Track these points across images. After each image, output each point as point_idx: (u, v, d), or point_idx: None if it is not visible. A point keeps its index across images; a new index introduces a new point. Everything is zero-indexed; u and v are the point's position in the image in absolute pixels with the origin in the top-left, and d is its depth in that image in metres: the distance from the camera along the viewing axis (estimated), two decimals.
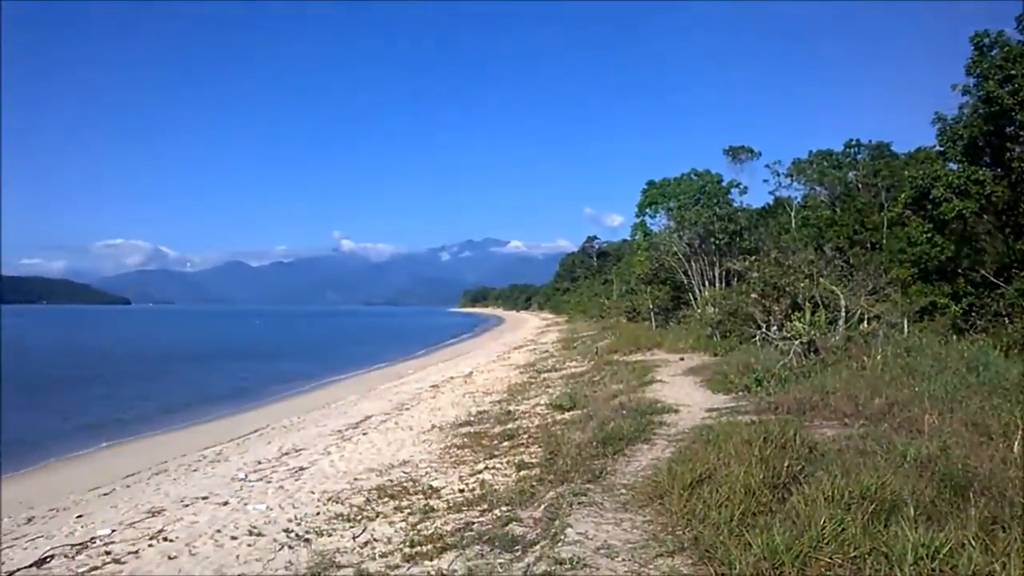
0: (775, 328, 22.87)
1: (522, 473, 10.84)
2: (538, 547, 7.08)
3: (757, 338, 23.32)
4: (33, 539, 10.93)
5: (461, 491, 10.48)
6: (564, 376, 25.39)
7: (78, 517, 12.26)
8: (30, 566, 9.08)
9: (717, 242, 40.82)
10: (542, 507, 8.56)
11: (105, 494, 14.64)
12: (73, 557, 9.29)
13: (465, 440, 14.94)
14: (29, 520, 12.91)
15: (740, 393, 16.05)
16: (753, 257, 31.41)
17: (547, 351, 40.79)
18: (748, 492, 7.07)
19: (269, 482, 12.96)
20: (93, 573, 8.50)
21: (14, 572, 8.92)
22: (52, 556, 9.42)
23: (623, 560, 6.29)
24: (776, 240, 37.58)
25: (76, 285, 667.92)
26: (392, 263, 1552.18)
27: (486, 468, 11.91)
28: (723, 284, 39.95)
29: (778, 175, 45.63)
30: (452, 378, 30.09)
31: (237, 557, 8.49)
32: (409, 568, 7.37)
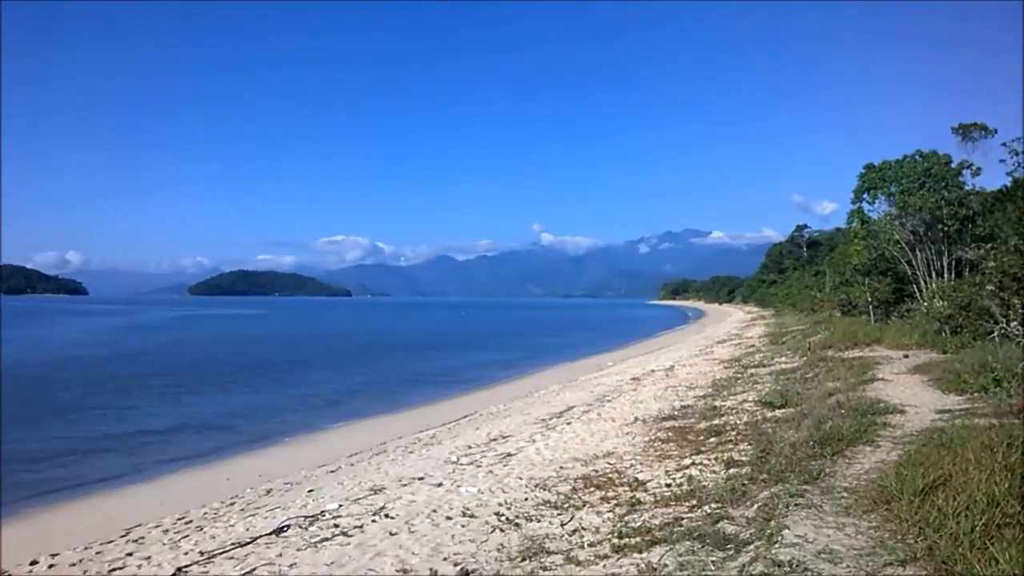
0: (1015, 323, 20.61)
1: (731, 471, 10.47)
2: (752, 547, 6.80)
3: (995, 334, 21.15)
4: (272, 509, 12.04)
5: (668, 486, 10.30)
6: (773, 372, 24.28)
7: (309, 491, 13.37)
8: (270, 533, 9.99)
9: (946, 229, 37.20)
10: (755, 506, 8.22)
11: (332, 471, 15.87)
12: (306, 528, 10.11)
13: (669, 434, 14.68)
14: (268, 492, 14.26)
15: (975, 394, 14.55)
16: (989, 245, 28.41)
17: (753, 346, 39.23)
18: (991, 502, 6.37)
19: (479, 466, 13.44)
20: (324, 544, 9.20)
21: (257, 538, 9.85)
22: (288, 526, 10.31)
23: (847, 567, 5.88)
24: (1016, 226, 33.71)
25: (304, 278, 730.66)
26: (590, 256, 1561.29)
27: (692, 463, 11.63)
28: (952, 275, 36.42)
29: (1017, 154, 40.82)
30: (653, 371, 29.73)
31: (452, 537, 8.86)
32: (618, 559, 7.34)
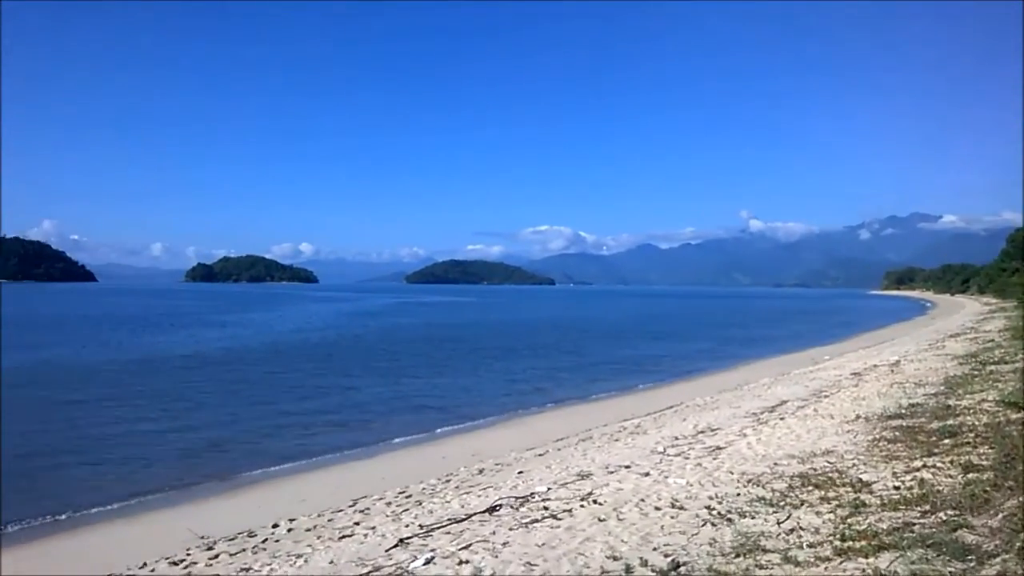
0: None
1: (970, 475, 9.51)
2: (999, 560, 6.14)
3: None
4: (484, 488, 12.50)
5: (896, 488, 9.53)
6: (1017, 369, 21.84)
7: (519, 473, 13.75)
8: (484, 511, 10.36)
9: None
10: (1000, 516, 7.40)
11: (540, 454, 16.22)
12: (517, 508, 10.39)
13: (896, 434, 13.59)
14: (480, 471, 14.84)
15: None
16: None
17: (992, 340, 35.44)
18: None
19: (687, 458, 13.17)
20: (535, 525, 9.41)
21: (472, 515, 10.26)
22: (501, 505, 10.64)
23: None
24: None
25: (510, 267, 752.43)
26: (803, 243, 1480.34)
27: (924, 466, 10.68)
28: None
29: None
30: (875, 366, 27.68)
31: (661, 527, 8.74)
32: (841, 563, 6.89)
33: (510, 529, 9.29)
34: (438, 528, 9.82)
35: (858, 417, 15.96)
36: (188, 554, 10.48)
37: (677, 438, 15.51)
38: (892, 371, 25.26)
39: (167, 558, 10.38)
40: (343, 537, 10.21)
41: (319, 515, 12.03)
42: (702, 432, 16.07)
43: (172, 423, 22.98)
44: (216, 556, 10.03)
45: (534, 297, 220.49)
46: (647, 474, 11.94)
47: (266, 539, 10.79)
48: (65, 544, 12.74)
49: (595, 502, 10.28)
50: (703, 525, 8.68)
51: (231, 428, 22.46)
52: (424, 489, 13.33)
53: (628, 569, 7.37)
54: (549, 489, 11.42)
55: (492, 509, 10.48)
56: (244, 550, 10.22)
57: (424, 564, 8.17)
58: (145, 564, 10.18)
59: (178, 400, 26.87)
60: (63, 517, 14.30)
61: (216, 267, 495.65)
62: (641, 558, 7.68)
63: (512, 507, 10.51)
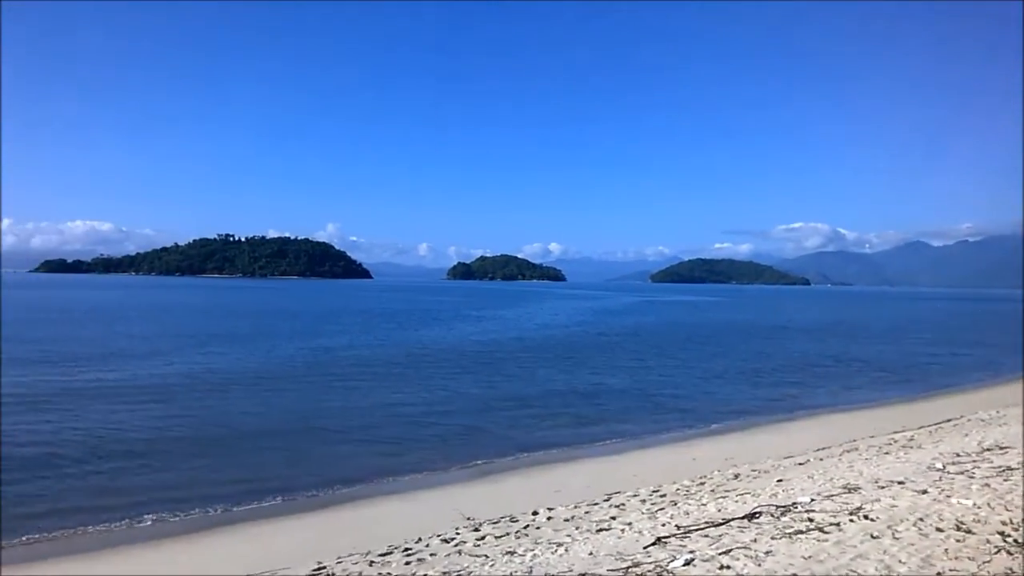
0: None
1: None
2: None
3: None
4: (741, 494, 12.18)
5: None
6: None
7: (778, 481, 13.22)
8: (742, 517, 10.11)
9: None
10: None
11: (800, 463, 15.48)
12: (778, 517, 10.01)
13: None
14: (736, 476, 14.46)
15: None
16: None
17: None
18: None
19: (971, 477, 11.93)
20: (799, 536, 9.03)
21: (730, 520, 10.05)
22: (760, 512, 10.32)
23: None
24: None
25: (760, 266, 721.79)
26: None
27: None
28: None
29: None
30: None
31: (945, 551, 8.02)
32: None
33: (772, 538, 9.00)
34: (695, 530, 9.73)
35: None
36: (457, 533, 11.25)
37: (959, 455, 14.10)
38: None
39: (439, 535, 11.21)
40: (600, 530, 10.43)
41: (575, 506, 12.39)
42: (988, 450, 14.49)
43: (430, 409, 24.84)
44: (483, 537, 10.68)
45: (786, 298, 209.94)
46: (924, 492, 10.99)
47: (527, 525, 11.31)
48: (344, 515, 14.22)
49: (866, 517, 9.66)
50: (996, 552, 7.87)
51: (483, 417, 23.85)
52: (678, 490, 13.26)
53: None
54: (813, 500, 10.89)
55: (751, 516, 10.20)
56: (508, 534, 10.79)
57: (684, 565, 8.14)
58: (420, 539, 11.07)
59: (436, 389, 28.97)
60: (343, 490, 16.02)
61: (474, 266, 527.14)
62: None
63: (773, 515, 10.16)
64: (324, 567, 9.78)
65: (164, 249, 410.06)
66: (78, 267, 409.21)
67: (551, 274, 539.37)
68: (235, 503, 15.05)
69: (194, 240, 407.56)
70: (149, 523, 13.92)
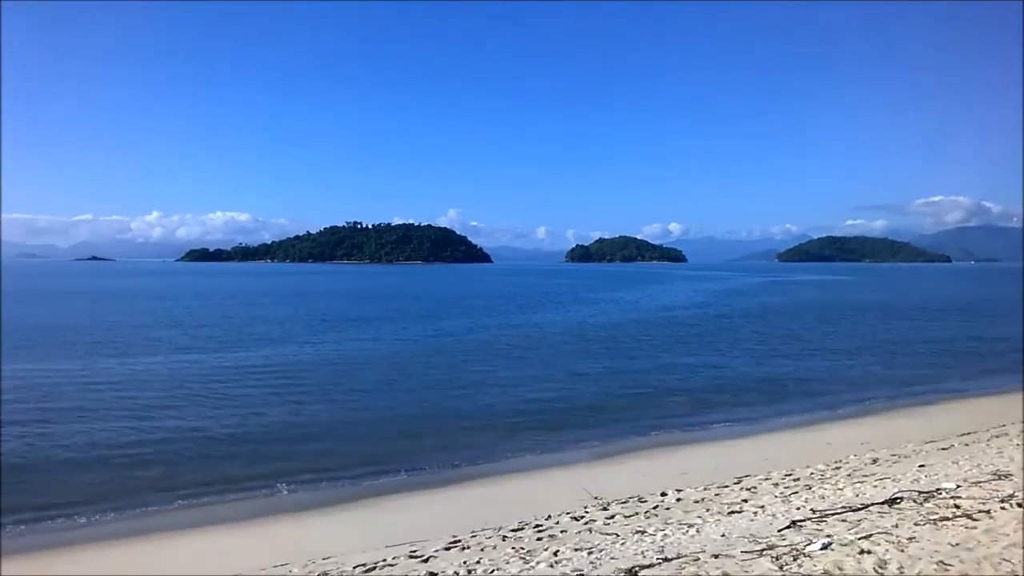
0: None
1: None
2: None
3: None
4: (880, 479, 11.77)
5: None
6: None
7: (920, 466, 12.68)
8: (882, 503, 9.78)
9: None
10: None
11: (943, 448, 14.78)
12: (921, 503, 9.62)
13: None
14: (874, 461, 13.97)
15: None
16: None
17: None
18: None
19: None
20: (944, 523, 8.66)
21: (869, 505, 9.74)
22: (901, 498, 9.94)
23: None
24: None
25: (896, 243, 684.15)
26: None
27: None
28: None
29: None
30: None
31: None
32: None
33: (915, 524, 8.67)
34: (832, 515, 9.49)
35: None
36: (586, 511, 11.41)
37: None
38: None
39: (568, 513, 11.40)
40: (732, 512, 10.34)
41: (705, 488, 12.31)
42: None
43: (550, 390, 25.21)
44: (612, 517, 10.79)
45: (925, 276, 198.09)
46: None
47: (656, 506, 11.33)
48: (472, 492, 14.66)
49: (1019, 505, 9.17)
50: None
51: (603, 398, 24.05)
52: (812, 474, 12.93)
53: None
54: (959, 486, 10.40)
55: (892, 501, 9.85)
56: (637, 513, 10.85)
57: (821, 549, 7.98)
58: (549, 516, 11.29)
59: (555, 371, 29.36)
60: (469, 467, 16.55)
61: (592, 248, 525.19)
62: None
63: (915, 501, 9.78)
64: (459, 540, 10.14)
65: (297, 237, 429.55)
66: (219, 255, 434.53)
67: (671, 255, 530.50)
68: (365, 479, 15.82)
69: (324, 228, 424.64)
70: (285, 494, 14.83)
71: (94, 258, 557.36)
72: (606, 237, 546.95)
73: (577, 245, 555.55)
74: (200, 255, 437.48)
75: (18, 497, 14.17)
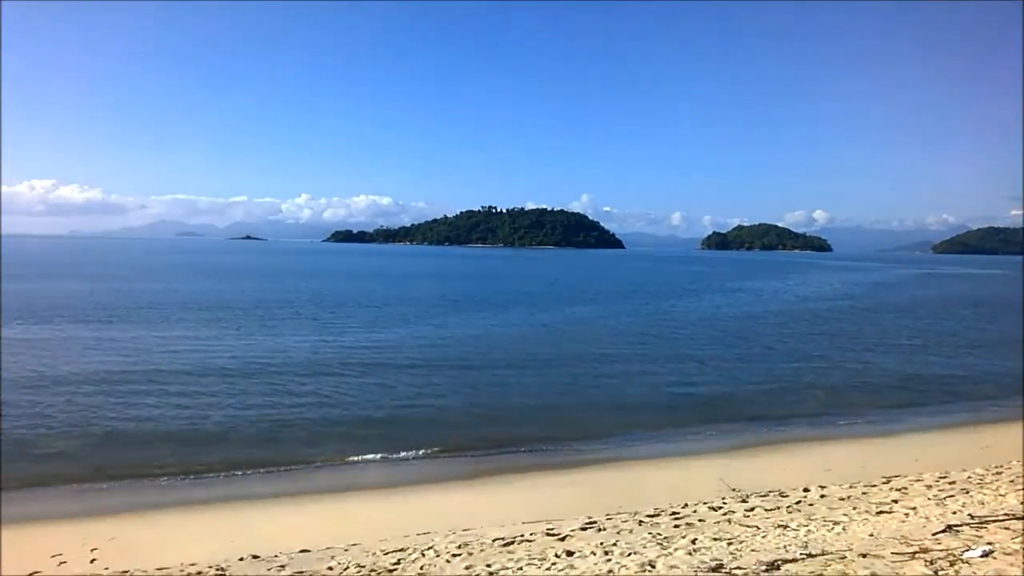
0: None
1: None
2: None
3: None
4: None
5: None
6: None
7: None
8: None
9: None
10: None
11: None
12: None
13: None
14: None
15: None
16: None
17: None
18: None
19: None
20: None
21: None
22: None
23: None
24: None
25: None
26: None
27: None
28: None
29: None
30: None
31: None
32: None
33: None
34: (993, 521, 8.95)
35: None
36: (724, 502, 11.24)
37: None
38: None
39: (705, 503, 11.28)
40: (880, 512, 9.92)
41: (851, 486, 11.86)
42: None
43: (680, 379, 24.98)
44: (752, 509, 10.57)
45: None
46: None
47: (799, 501, 11.02)
48: (606, 476, 14.76)
49: None
50: None
51: (736, 388, 23.67)
52: (969, 478, 12.20)
53: None
54: None
55: None
56: (778, 508, 10.58)
57: (981, 556, 7.56)
58: (686, 505, 11.20)
59: (685, 358, 29.08)
60: (601, 451, 16.68)
61: (730, 235, 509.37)
62: None
63: None
64: (595, 522, 10.23)
65: (435, 221, 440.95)
66: (361, 237, 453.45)
67: (815, 244, 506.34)
68: (498, 456, 16.35)
69: (461, 212, 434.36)
70: (423, 466, 15.57)
71: (248, 237, 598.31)
72: (745, 224, 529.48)
73: (714, 232, 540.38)
74: (344, 236, 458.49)
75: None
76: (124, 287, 59.23)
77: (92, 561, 10.38)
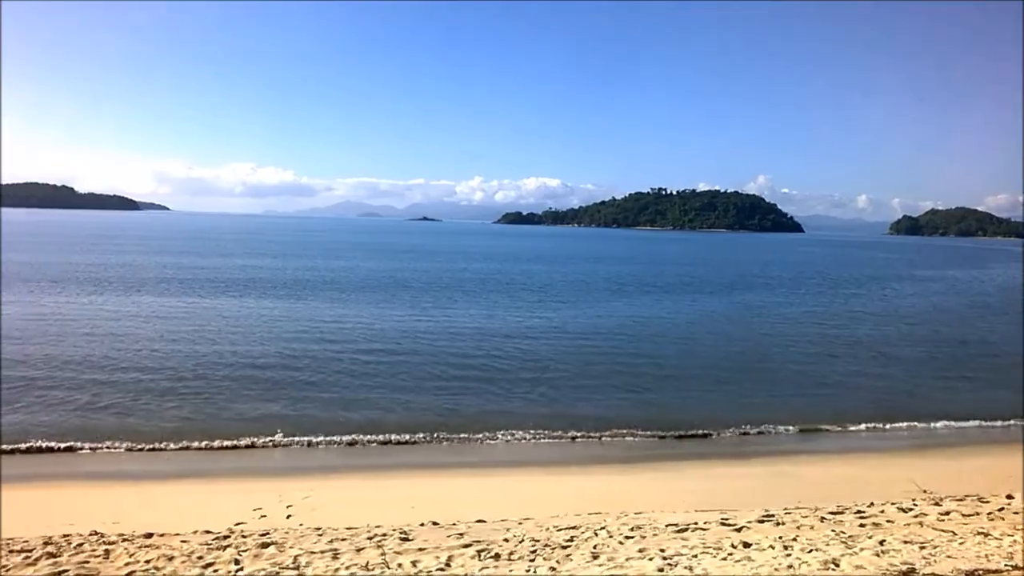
0: None
1: None
2: None
3: None
4: None
5: None
6: None
7: None
8: None
9: None
10: None
11: None
12: None
13: None
14: None
15: None
16: None
17: None
18: None
19: None
20: None
21: None
22: None
23: None
24: None
25: None
26: None
27: None
28: None
29: None
30: None
31: None
32: None
33: None
34: None
35: None
36: (915, 504, 10.56)
37: None
38: None
39: (893, 503, 10.64)
40: None
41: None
42: None
43: (860, 373, 23.85)
44: (947, 513, 9.80)
45: None
46: None
47: (1002, 508, 9.99)
48: (780, 467, 14.26)
49: None
50: None
51: (923, 383, 22.58)
52: None
53: None
54: None
55: None
56: (977, 514, 9.74)
57: None
58: (872, 504, 10.61)
59: (865, 349, 27.91)
60: (770, 440, 16.28)
61: (921, 220, 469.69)
62: None
63: None
64: (772, 515, 9.92)
65: (603, 203, 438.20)
66: (531, 219, 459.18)
67: (1020, 231, 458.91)
68: (666, 443, 16.30)
69: (629, 194, 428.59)
70: (593, 448, 15.60)
71: (424, 218, 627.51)
72: (939, 208, 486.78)
73: (904, 216, 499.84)
74: (515, 218, 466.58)
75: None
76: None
77: (288, 517, 11.25)
